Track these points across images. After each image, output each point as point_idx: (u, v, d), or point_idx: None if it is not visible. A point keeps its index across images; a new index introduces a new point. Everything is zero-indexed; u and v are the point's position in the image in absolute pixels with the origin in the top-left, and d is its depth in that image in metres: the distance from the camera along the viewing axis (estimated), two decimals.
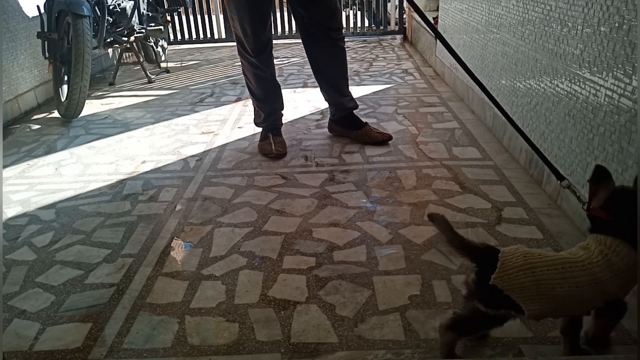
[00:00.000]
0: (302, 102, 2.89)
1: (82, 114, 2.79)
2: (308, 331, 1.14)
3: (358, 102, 2.31)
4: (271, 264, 1.39)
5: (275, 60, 2.20)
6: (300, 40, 2.24)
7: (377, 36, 4.90)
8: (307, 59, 2.23)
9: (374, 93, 2.98)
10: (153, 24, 3.60)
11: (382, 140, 2.19)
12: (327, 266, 1.37)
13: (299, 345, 1.10)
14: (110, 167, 2.11)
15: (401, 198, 1.72)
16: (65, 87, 2.82)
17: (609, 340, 1.03)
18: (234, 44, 2.14)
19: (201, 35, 4.87)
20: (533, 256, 0.89)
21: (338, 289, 1.27)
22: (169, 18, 4.03)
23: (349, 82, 2.28)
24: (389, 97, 2.89)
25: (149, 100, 3.09)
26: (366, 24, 5.20)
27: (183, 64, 4.11)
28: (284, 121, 2.33)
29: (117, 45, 3.33)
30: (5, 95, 2.73)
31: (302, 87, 3.23)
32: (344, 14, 5.02)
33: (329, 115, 2.34)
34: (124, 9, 3.22)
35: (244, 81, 2.23)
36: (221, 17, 4.83)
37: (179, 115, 2.76)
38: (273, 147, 2.12)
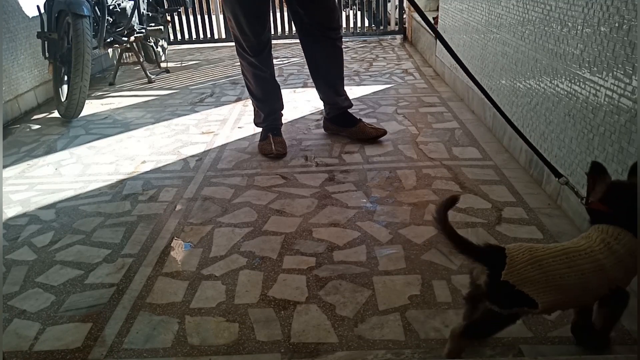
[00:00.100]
0: (302, 102, 2.88)
1: (82, 114, 2.79)
2: (308, 331, 1.14)
3: (358, 102, 2.32)
4: (271, 264, 1.39)
5: (275, 60, 2.20)
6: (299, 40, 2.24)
7: (377, 36, 4.90)
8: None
9: (374, 93, 2.97)
10: (153, 24, 3.60)
11: (377, 135, 2.19)
12: (327, 266, 1.37)
13: (299, 345, 1.10)
14: (110, 167, 2.11)
15: (401, 198, 1.72)
16: (65, 87, 2.82)
17: (609, 341, 1.03)
18: (234, 43, 2.14)
19: (201, 35, 4.87)
20: (538, 250, 0.91)
21: (338, 289, 1.27)
22: (169, 18, 4.02)
23: (349, 82, 2.28)
24: (389, 97, 2.89)
25: (149, 100, 3.09)
26: (366, 24, 5.20)
27: (183, 64, 4.11)
28: (284, 121, 2.33)
29: (117, 45, 3.33)
30: (5, 95, 2.73)
31: (302, 87, 3.23)
32: (343, 14, 5.02)
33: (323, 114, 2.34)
34: (124, 9, 3.22)
35: (244, 81, 2.23)
36: (221, 17, 4.83)
37: (179, 115, 2.76)
38: (273, 147, 2.13)
